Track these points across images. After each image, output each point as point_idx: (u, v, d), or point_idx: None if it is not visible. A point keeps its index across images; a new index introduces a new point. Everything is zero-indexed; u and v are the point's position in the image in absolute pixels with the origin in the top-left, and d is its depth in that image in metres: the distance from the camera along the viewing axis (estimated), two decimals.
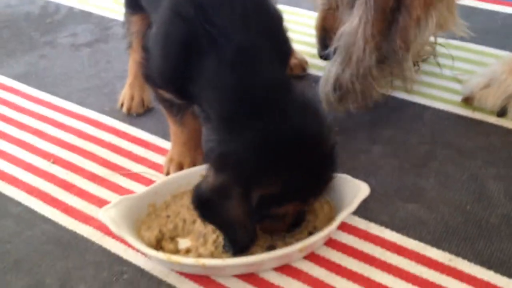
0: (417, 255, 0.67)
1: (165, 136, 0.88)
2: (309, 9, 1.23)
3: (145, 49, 0.73)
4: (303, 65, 1.02)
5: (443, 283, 0.63)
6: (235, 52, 0.62)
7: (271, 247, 0.66)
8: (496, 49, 1.05)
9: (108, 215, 0.67)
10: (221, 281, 0.66)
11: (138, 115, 0.94)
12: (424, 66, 1.01)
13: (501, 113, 0.88)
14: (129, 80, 0.97)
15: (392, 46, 0.77)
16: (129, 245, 0.69)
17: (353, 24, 0.78)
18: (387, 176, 0.79)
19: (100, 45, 1.17)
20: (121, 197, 0.71)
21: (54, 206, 0.77)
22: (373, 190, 0.69)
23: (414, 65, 0.90)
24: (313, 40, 1.11)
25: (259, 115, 0.60)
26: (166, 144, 0.86)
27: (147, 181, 0.80)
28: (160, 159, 0.84)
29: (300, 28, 1.15)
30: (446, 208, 0.73)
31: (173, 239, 0.69)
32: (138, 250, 0.68)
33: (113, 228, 0.66)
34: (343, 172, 0.71)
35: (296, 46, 1.00)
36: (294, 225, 0.66)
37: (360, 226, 0.71)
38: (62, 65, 1.11)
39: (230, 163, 0.60)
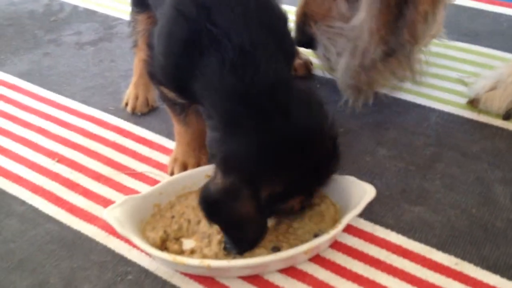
0: (422, 259, 0.66)
1: (169, 135, 0.88)
2: None
3: (149, 46, 0.73)
4: (308, 65, 1.02)
5: (449, 287, 0.63)
6: (236, 52, 0.62)
7: (276, 249, 0.66)
8: (502, 51, 1.04)
9: (113, 215, 0.67)
10: (226, 282, 0.65)
11: (142, 114, 0.94)
12: (430, 68, 1.01)
13: (507, 116, 0.88)
14: (133, 79, 0.97)
15: (399, 40, 0.77)
16: (134, 245, 0.69)
17: (360, 17, 0.78)
18: (392, 178, 0.78)
19: (105, 44, 1.16)
20: (126, 197, 0.71)
21: (59, 205, 0.77)
22: (378, 192, 0.69)
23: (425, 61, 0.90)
24: None
25: (261, 115, 0.60)
26: (171, 144, 0.86)
27: (151, 181, 0.80)
28: (164, 159, 0.84)
29: None
30: (452, 211, 0.73)
31: (177, 239, 0.69)
32: (142, 251, 0.68)
33: (117, 228, 0.66)
34: (348, 173, 0.71)
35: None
36: (301, 209, 0.68)
37: (366, 229, 0.71)
38: (66, 64, 1.10)
39: (236, 164, 0.60)
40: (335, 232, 0.65)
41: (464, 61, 1.03)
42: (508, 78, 0.89)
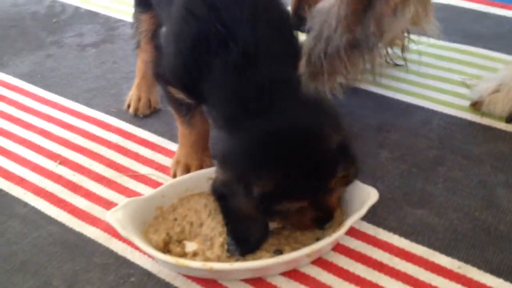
0: (425, 262, 0.66)
1: (172, 138, 0.88)
2: None
3: (156, 47, 0.73)
4: None
5: None
6: (239, 54, 0.63)
7: (279, 252, 0.66)
8: (505, 53, 1.04)
9: (115, 217, 0.67)
10: (228, 285, 0.65)
11: (145, 116, 0.94)
12: (431, 70, 1.01)
13: (510, 118, 0.88)
14: (136, 81, 0.97)
15: (365, 31, 0.77)
16: (136, 248, 0.69)
17: (330, 1, 0.78)
18: (394, 180, 0.78)
19: (107, 45, 1.17)
20: (128, 199, 0.70)
21: (61, 207, 0.77)
22: (381, 194, 0.69)
23: (385, 56, 0.90)
24: None
25: (259, 114, 0.61)
26: (173, 146, 0.86)
27: (154, 183, 0.80)
28: (167, 161, 0.84)
29: None
30: (455, 214, 0.72)
31: (180, 242, 0.69)
32: (145, 253, 0.68)
33: (120, 230, 0.66)
34: None
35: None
36: (322, 222, 0.66)
37: (368, 232, 0.70)
38: (68, 65, 1.10)
39: (232, 162, 0.62)
40: (338, 235, 0.65)
41: (466, 63, 1.03)
42: (511, 81, 0.89)
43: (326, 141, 0.61)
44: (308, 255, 0.65)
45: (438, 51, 1.06)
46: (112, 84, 1.04)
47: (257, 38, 0.63)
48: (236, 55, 0.62)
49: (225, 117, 0.64)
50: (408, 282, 0.64)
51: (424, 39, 1.10)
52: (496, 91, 0.90)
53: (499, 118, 0.88)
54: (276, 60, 0.64)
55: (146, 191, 0.78)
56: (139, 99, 0.95)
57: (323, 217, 0.65)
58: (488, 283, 0.63)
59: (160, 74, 0.74)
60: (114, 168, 0.84)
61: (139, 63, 0.96)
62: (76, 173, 0.83)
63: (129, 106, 0.95)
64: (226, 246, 0.66)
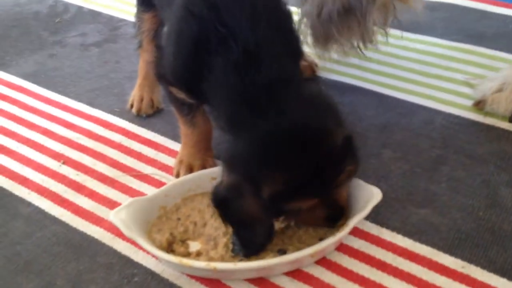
0: (429, 262, 0.66)
1: (174, 137, 0.88)
2: None
3: (158, 47, 0.73)
4: (313, 67, 1.02)
5: None
6: (240, 53, 0.62)
7: (282, 252, 0.66)
8: (507, 53, 1.04)
9: (119, 217, 0.67)
10: (232, 285, 0.65)
11: (147, 116, 0.94)
12: (434, 70, 1.01)
13: None
14: (138, 80, 0.97)
15: None
16: (140, 248, 0.69)
17: None
18: (398, 180, 0.78)
19: (109, 45, 1.17)
20: (132, 199, 0.71)
21: (65, 207, 0.77)
22: (384, 194, 0.69)
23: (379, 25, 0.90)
24: None
25: (262, 114, 0.60)
26: (176, 146, 0.86)
27: (157, 183, 0.80)
28: (170, 161, 0.84)
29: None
30: (458, 214, 0.72)
31: (184, 242, 0.69)
32: (149, 253, 0.68)
33: (124, 230, 0.66)
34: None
35: (305, 48, 0.99)
36: (333, 219, 0.66)
37: (372, 231, 0.70)
38: (71, 65, 1.11)
39: (238, 163, 0.61)
40: (342, 235, 0.65)
41: (469, 62, 1.02)
42: None
43: (332, 137, 0.61)
44: (311, 255, 0.65)
45: (440, 50, 1.06)
46: (115, 84, 1.04)
47: (257, 37, 0.63)
48: (237, 54, 0.62)
49: (228, 117, 0.64)
50: (412, 282, 0.64)
51: (426, 38, 1.10)
52: (499, 90, 0.90)
53: (502, 118, 0.88)
54: (278, 58, 0.64)
55: (149, 190, 0.78)
56: (141, 99, 0.95)
57: (334, 214, 0.65)
58: (492, 283, 0.63)
59: (161, 74, 0.74)
60: (118, 167, 0.84)
61: (141, 63, 0.96)
62: (79, 173, 0.83)
63: (132, 105, 0.95)
64: (231, 246, 0.66)
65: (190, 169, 0.79)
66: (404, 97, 0.95)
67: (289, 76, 0.64)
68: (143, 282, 0.66)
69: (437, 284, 0.64)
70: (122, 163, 0.85)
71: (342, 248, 0.69)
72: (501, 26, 1.14)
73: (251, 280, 0.66)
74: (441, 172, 0.79)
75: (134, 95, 0.96)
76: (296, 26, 0.71)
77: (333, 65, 1.04)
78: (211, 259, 0.66)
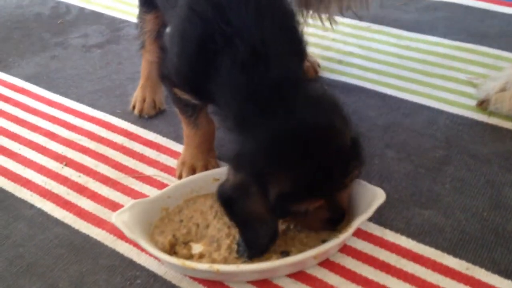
0: (433, 263, 0.66)
1: (177, 138, 0.88)
2: None
3: (161, 48, 0.73)
4: (315, 67, 1.01)
5: None
6: (247, 52, 0.62)
7: (285, 253, 0.66)
8: (511, 52, 1.03)
9: (121, 219, 0.67)
10: (235, 286, 0.65)
11: (150, 117, 0.94)
12: (437, 69, 1.00)
13: None
14: (141, 82, 0.97)
15: None
16: (142, 250, 0.69)
17: None
18: (401, 181, 0.78)
19: (112, 46, 1.16)
20: (134, 201, 0.70)
21: (67, 209, 0.77)
22: (387, 195, 0.68)
23: None
24: (326, 42, 1.11)
25: (271, 114, 0.60)
26: (178, 147, 0.86)
27: (159, 184, 0.80)
28: (172, 162, 0.84)
29: (312, 30, 1.14)
30: (463, 215, 0.72)
31: (186, 244, 0.69)
32: (151, 255, 0.68)
33: (126, 232, 0.66)
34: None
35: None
36: (334, 222, 0.65)
37: (375, 233, 0.70)
38: (73, 66, 1.10)
39: (246, 162, 0.61)
40: (345, 236, 0.65)
41: (472, 62, 1.02)
42: None
43: (340, 138, 0.61)
44: (315, 257, 0.64)
45: (443, 50, 1.06)
46: (117, 85, 1.03)
47: (264, 36, 0.63)
48: (243, 53, 0.62)
49: (235, 117, 0.64)
50: (416, 284, 0.64)
51: (429, 37, 1.09)
52: (503, 89, 0.89)
53: (506, 118, 0.88)
54: (284, 58, 0.64)
55: (151, 192, 0.78)
56: (144, 100, 0.95)
57: (335, 217, 0.64)
58: (497, 285, 0.63)
59: (165, 75, 0.73)
60: (120, 169, 0.84)
61: (143, 64, 0.96)
62: (81, 175, 0.83)
63: (134, 107, 0.95)
64: (235, 247, 0.66)
65: (193, 170, 0.79)
66: (407, 97, 0.94)
67: (296, 75, 0.64)
68: (145, 284, 0.66)
69: (441, 285, 0.63)
70: (124, 165, 0.84)
71: (345, 249, 0.68)
72: (504, 25, 1.13)
73: (254, 282, 0.65)
74: (445, 172, 0.79)
75: (136, 96, 0.96)
76: (300, 26, 0.71)
77: (336, 65, 1.04)
78: (214, 261, 0.66)
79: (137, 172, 0.83)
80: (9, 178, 0.84)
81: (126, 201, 0.77)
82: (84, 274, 0.68)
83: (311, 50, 1.04)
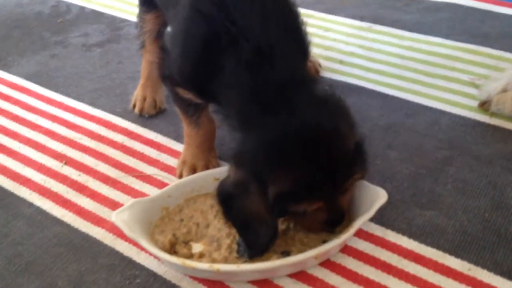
0: (435, 264, 0.65)
1: (177, 138, 0.88)
2: (324, 11, 1.22)
3: (162, 48, 0.72)
4: (316, 67, 1.01)
5: None
6: (252, 52, 0.62)
7: (286, 253, 0.65)
8: None
9: (121, 218, 0.67)
10: (235, 286, 0.65)
11: (150, 116, 0.93)
12: (440, 71, 1.00)
13: None
14: (141, 81, 0.96)
15: None
16: (142, 249, 0.68)
17: None
18: (403, 181, 0.77)
19: (112, 45, 1.16)
20: (134, 200, 0.70)
21: (66, 208, 0.77)
22: (389, 195, 0.68)
23: None
24: (328, 42, 1.10)
25: (274, 114, 0.60)
26: (179, 146, 0.86)
27: (159, 183, 0.80)
28: (172, 161, 0.83)
29: (314, 30, 1.14)
30: (465, 216, 0.71)
31: (186, 243, 0.68)
32: (151, 254, 0.67)
33: (126, 231, 0.65)
34: None
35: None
36: (332, 224, 0.64)
37: (377, 233, 0.70)
38: (73, 65, 1.10)
39: (246, 160, 0.60)
40: (346, 236, 0.64)
41: (474, 63, 1.02)
42: None
43: (343, 141, 0.60)
44: (315, 257, 0.64)
45: (445, 51, 1.05)
46: (117, 84, 1.03)
47: (269, 36, 0.63)
48: (248, 53, 0.62)
49: (239, 116, 0.63)
50: (417, 284, 0.63)
51: (431, 38, 1.09)
52: (505, 90, 0.89)
53: (509, 118, 0.87)
54: (289, 58, 0.63)
55: (151, 191, 0.78)
56: (144, 99, 0.94)
57: (334, 219, 0.64)
58: (499, 286, 0.62)
59: (166, 75, 0.73)
60: (120, 168, 0.83)
61: (144, 63, 0.96)
62: (81, 173, 0.82)
63: (134, 106, 0.95)
64: (235, 247, 0.65)
65: (194, 170, 0.79)
66: (409, 97, 0.94)
67: (301, 76, 0.64)
68: (145, 283, 0.66)
69: (443, 286, 0.63)
70: (124, 164, 0.84)
71: (346, 249, 0.68)
72: (505, 26, 1.13)
73: (254, 282, 0.65)
74: (446, 173, 0.78)
75: (136, 95, 0.95)
76: (304, 26, 0.71)
77: (337, 65, 1.04)
78: (214, 260, 0.65)
79: (137, 171, 0.82)
80: (8, 176, 0.83)
81: (126, 200, 0.76)
82: (83, 273, 0.67)
83: (313, 50, 1.04)
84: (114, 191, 0.79)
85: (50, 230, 0.74)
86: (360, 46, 1.09)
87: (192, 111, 0.75)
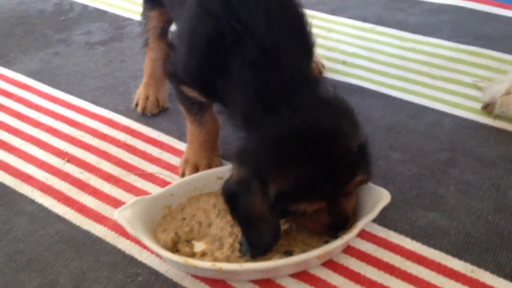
0: (438, 265, 0.65)
1: (179, 136, 0.87)
2: (326, 12, 1.22)
3: (169, 46, 0.72)
4: (319, 68, 1.01)
5: None
6: (257, 51, 0.62)
7: (289, 253, 0.65)
8: None
9: (124, 216, 0.66)
10: (237, 285, 0.65)
11: (152, 115, 0.93)
12: (443, 72, 1.00)
13: None
14: (144, 79, 0.96)
15: None
16: (144, 247, 0.68)
17: None
18: (406, 182, 0.77)
19: (115, 44, 1.16)
20: (137, 198, 0.70)
21: (68, 205, 0.77)
22: (392, 196, 0.67)
23: None
24: (331, 43, 1.10)
25: (277, 113, 0.60)
26: (181, 145, 0.85)
27: (161, 182, 0.79)
28: (174, 160, 0.83)
29: (317, 31, 1.14)
30: (467, 217, 0.71)
31: (189, 242, 0.68)
32: (153, 252, 0.67)
33: (128, 229, 0.65)
34: None
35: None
36: (335, 228, 0.64)
37: (380, 234, 0.70)
38: (76, 63, 1.10)
39: (249, 159, 0.61)
40: (349, 237, 0.64)
41: (476, 65, 1.02)
42: None
43: (347, 143, 0.60)
44: (318, 257, 0.64)
45: (448, 53, 1.05)
46: (120, 83, 1.03)
47: (274, 35, 0.63)
48: (253, 52, 0.62)
49: (242, 114, 0.63)
50: (420, 286, 0.63)
51: (433, 40, 1.09)
52: (508, 93, 0.89)
53: None
54: (294, 58, 0.63)
55: (153, 190, 0.78)
56: (147, 98, 0.94)
57: (337, 223, 0.63)
58: None
59: (172, 73, 0.73)
60: (122, 166, 0.83)
61: (147, 62, 0.96)
62: (83, 171, 0.82)
63: (137, 104, 0.95)
64: (237, 246, 0.65)
65: (196, 169, 0.78)
66: (411, 99, 0.94)
67: (305, 76, 0.64)
68: (147, 281, 0.66)
69: None
70: (126, 162, 0.84)
71: (349, 250, 0.68)
72: (508, 29, 1.13)
73: (256, 281, 0.65)
74: (449, 175, 0.78)
75: (139, 94, 0.95)
76: (310, 27, 0.71)
77: (340, 66, 1.04)
78: (216, 259, 0.65)
79: (139, 169, 0.82)
80: (10, 173, 0.83)
81: (128, 198, 0.76)
82: (85, 270, 0.67)
83: (315, 51, 1.04)
84: (116, 189, 0.79)
85: (52, 228, 0.73)
86: (363, 47, 1.09)
87: (196, 109, 0.75)
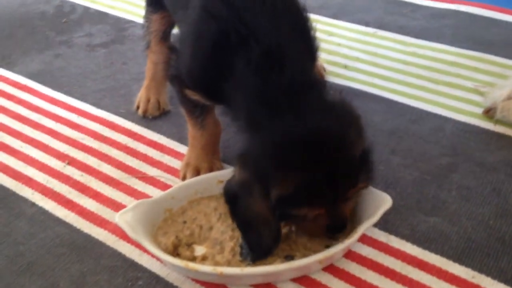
0: (439, 271, 0.65)
1: (180, 139, 0.87)
2: (329, 16, 1.22)
3: (171, 49, 0.72)
4: (321, 72, 1.01)
5: None
6: (261, 54, 0.62)
7: (290, 258, 0.65)
8: None
9: (125, 219, 0.66)
10: None
11: (154, 118, 0.93)
12: (444, 77, 1.00)
13: None
14: (145, 82, 0.96)
15: None
16: (145, 250, 0.68)
17: None
18: (407, 187, 0.77)
19: (116, 46, 1.16)
20: (138, 201, 0.70)
21: (69, 208, 0.76)
22: (393, 201, 0.67)
23: None
24: (332, 47, 1.10)
25: (281, 116, 0.59)
26: (182, 148, 0.85)
27: (162, 185, 0.79)
28: (175, 163, 0.83)
29: (319, 35, 1.14)
30: (469, 222, 0.71)
31: (189, 245, 0.68)
32: (154, 256, 0.67)
33: (129, 232, 0.65)
34: None
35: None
36: (334, 231, 0.64)
37: (381, 239, 0.69)
38: (77, 65, 1.10)
39: (251, 161, 0.61)
40: (350, 241, 0.64)
41: (478, 70, 1.02)
42: None
43: (350, 148, 0.60)
44: (320, 261, 0.64)
45: (449, 57, 1.05)
46: (122, 85, 1.03)
47: (279, 38, 0.63)
48: (258, 54, 0.62)
49: (247, 118, 0.63)
50: None
51: (435, 44, 1.09)
52: (510, 98, 0.89)
53: None
54: (299, 61, 0.63)
55: (154, 193, 0.77)
56: (148, 101, 0.94)
57: (336, 226, 0.63)
58: None
59: (174, 76, 0.73)
60: (123, 169, 0.83)
61: (148, 64, 0.96)
62: (84, 174, 0.82)
63: (138, 107, 0.95)
64: (239, 250, 0.65)
65: (197, 172, 0.78)
66: (413, 103, 0.94)
67: (310, 80, 0.63)
68: (147, 285, 0.65)
69: None
70: (127, 165, 0.84)
71: (350, 255, 0.67)
72: (510, 34, 1.13)
73: (257, 286, 0.64)
74: (451, 179, 0.78)
75: (140, 96, 0.95)
76: (314, 31, 0.71)
77: (342, 70, 1.04)
78: (217, 263, 0.65)
79: (140, 172, 0.82)
80: (10, 176, 0.83)
81: (129, 201, 0.76)
82: (85, 274, 0.67)
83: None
84: (117, 192, 0.79)
85: (52, 230, 0.73)
86: (365, 52, 1.09)
87: (198, 112, 0.75)
